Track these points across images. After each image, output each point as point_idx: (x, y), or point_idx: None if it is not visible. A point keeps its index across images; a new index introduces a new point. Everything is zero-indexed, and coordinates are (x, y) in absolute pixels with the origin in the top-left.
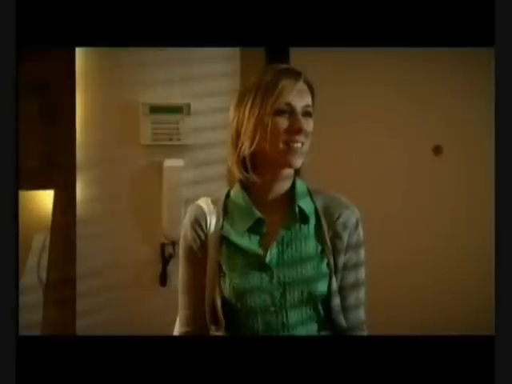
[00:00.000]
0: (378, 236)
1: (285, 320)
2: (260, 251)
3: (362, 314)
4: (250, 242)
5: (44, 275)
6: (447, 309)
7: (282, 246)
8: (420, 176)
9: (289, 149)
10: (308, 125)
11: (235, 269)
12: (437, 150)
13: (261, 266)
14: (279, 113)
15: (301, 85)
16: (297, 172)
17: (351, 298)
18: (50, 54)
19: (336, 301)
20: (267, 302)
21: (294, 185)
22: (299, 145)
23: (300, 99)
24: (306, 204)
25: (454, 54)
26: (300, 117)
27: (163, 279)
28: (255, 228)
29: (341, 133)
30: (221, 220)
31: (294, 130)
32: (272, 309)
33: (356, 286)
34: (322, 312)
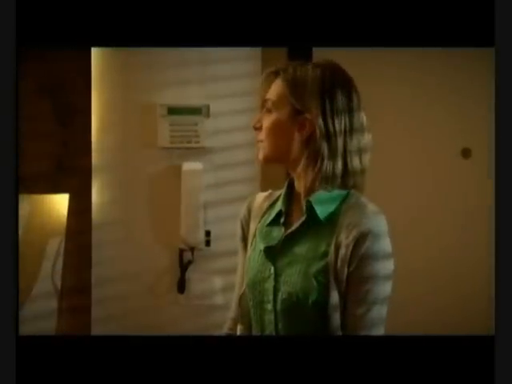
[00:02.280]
0: (401, 240)
1: (277, 322)
2: (263, 245)
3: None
4: (264, 236)
5: (59, 282)
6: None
7: (288, 242)
8: (449, 179)
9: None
10: (264, 121)
11: (251, 262)
12: (465, 153)
13: (264, 262)
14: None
15: (275, 82)
16: (326, 177)
17: (356, 316)
18: (65, 54)
19: (335, 316)
20: (264, 300)
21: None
22: (258, 141)
23: (264, 95)
24: (324, 206)
25: (488, 55)
26: (260, 114)
27: (181, 286)
28: (276, 221)
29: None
30: (262, 215)
31: (252, 127)
32: (269, 307)
33: (364, 302)
34: (317, 325)
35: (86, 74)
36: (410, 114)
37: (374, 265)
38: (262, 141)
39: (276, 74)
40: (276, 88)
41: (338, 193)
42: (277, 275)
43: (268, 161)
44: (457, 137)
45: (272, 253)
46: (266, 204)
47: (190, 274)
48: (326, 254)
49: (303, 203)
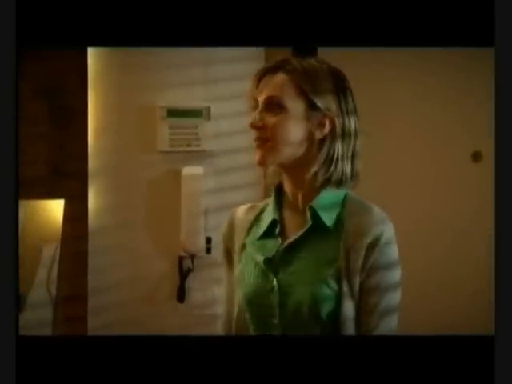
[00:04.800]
0: (405, 242)
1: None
2: (261, 258)
3: None
4: (258, 249)
5: (54, 290)
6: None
7: (290, 252)
8: (459, 183)
9: (256, 146)
10: (270, 119)
11: (246, 277)
12: (476, 156)
13: (264, 275)
14: (252, 109)
15: (276, 77)
16: (337, 180)
17: (369, 325)
18: (61, 54)
19: (347, 325)
20: (268, 314)
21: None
22: (259, 141)
23: (265, 92)
24: (328, 211)
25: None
26: (260, 111)
27: (181, 295)
28: (270, 232)
29: (376, 139)
30: (249, 227)
31: (251, 126)
32: (275, 322)
33: (378, 311)
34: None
35: (83, 75)
36: (413, 115)
37: (385, 273)
38: (266, 139)
39: (275, 68)
40: (280, 82)
41: (337, 195)
42: (281, 287)
43: (270, 162)
44: (466, 140)
45: (273, 265)
46: (251, 216)
47: (190, 282)
48: (335, 260)
49: (306, 210)
